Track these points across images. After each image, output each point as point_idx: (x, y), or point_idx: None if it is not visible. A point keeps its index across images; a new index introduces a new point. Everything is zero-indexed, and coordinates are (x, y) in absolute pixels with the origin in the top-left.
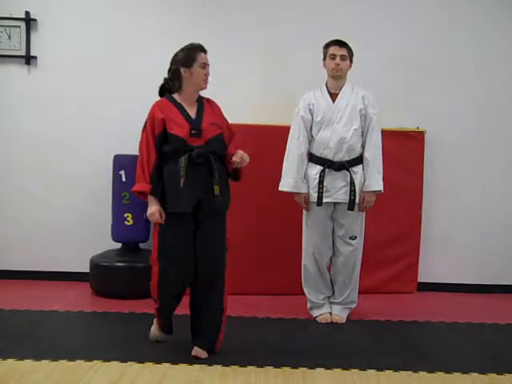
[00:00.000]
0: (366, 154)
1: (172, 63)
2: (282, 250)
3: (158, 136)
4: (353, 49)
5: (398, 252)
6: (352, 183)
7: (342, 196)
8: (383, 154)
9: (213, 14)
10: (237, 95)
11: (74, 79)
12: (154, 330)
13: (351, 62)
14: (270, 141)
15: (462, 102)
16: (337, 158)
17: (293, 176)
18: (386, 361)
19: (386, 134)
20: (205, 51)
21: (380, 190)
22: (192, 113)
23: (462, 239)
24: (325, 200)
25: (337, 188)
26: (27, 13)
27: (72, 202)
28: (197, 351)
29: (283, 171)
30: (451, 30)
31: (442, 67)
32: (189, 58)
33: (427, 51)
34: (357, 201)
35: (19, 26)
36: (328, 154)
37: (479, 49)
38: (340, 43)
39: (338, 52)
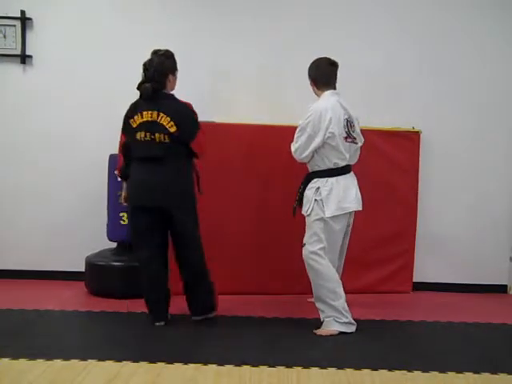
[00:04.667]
0: None
1: (163, 69)
2: (278, 249)
3: None
4: (350, 48)
5: (393, 251)
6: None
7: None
8: (378, 153)
9: (212, 15)
10: (235, 95)
11: (69, 78)
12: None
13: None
14: (267, 141)
15: (457, 102)
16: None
17: None
18: (381, 360)
19: (381, 134)
20: None
21: None
22: None
23: (457, 239)
24: None
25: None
26: (23, 12)
27: (67, 201)
28: None
29: None
30: (449, 30)
31: (437, 67)
32: (175, 65)
33: (423, 51)
34: (304, 212)
35: (15, 25)
36: None
37: (476, 49)
38: None
39: None
